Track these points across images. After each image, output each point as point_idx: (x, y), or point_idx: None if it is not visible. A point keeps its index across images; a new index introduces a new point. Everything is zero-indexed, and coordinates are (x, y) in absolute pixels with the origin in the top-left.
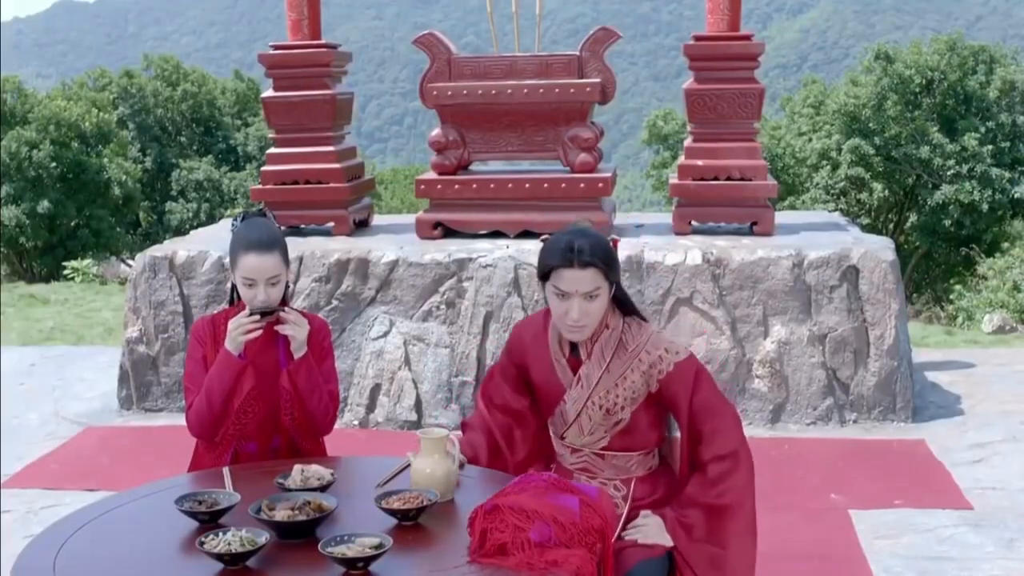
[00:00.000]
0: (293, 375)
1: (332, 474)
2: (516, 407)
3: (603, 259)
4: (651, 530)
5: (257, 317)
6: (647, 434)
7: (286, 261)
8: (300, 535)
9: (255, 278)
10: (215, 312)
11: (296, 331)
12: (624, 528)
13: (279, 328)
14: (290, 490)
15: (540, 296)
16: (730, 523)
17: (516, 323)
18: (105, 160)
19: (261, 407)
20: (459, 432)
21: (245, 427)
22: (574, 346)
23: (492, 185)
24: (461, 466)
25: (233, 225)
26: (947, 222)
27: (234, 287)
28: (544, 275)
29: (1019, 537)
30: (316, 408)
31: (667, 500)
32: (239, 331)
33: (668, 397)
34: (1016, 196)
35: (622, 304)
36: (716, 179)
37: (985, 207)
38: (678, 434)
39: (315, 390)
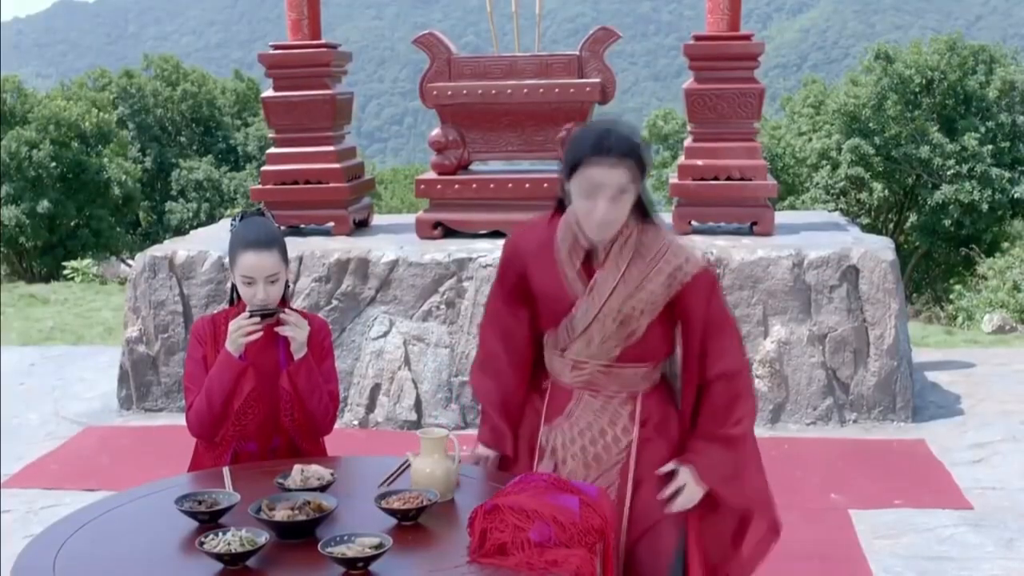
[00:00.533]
0: (293, 376)
1: (332, 474)
2: (515, 326)
3: (636, 155)
4: (691, 491)
5: (257, 319)
6: (659, 346)
7: (285, 260)
8: (300, 535)
9: (254, 276)
10: (215, 312)
11: (296, 332)
12: (640, 461)
13: (279, 329)
14: (290, 490)
15: None
16: (745, 451)
17: (511, 233)
18: (105, 160)
19: (261, 408)
20: (463, 431)
21: (245, 428)
22: (587, 255)
23: (492, 185)
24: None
25: (232, 225)
26: (947, 222)
27: (234, 287)
28: (571, 169)
29: (1019, 537)
30: (316, 409)
31: (670, 420)
32: (239, 333)
33: (683, 307)
34: (1016, 196)
35: (641, 207)
36: (716, 179)
37: (985, 207)
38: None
39: (315, 391)
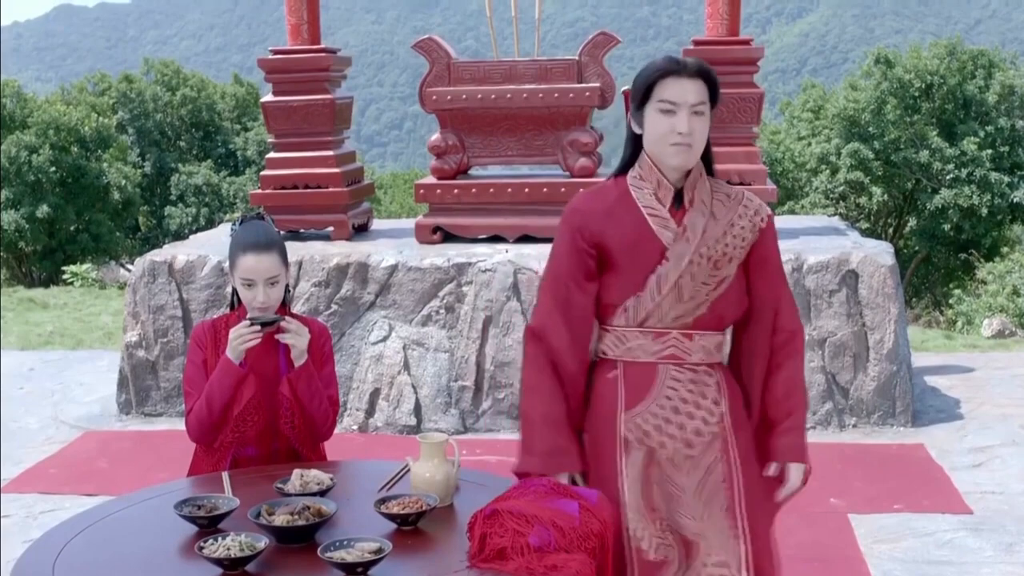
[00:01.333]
0: (294, 383)
1: (331, 478)
2: (586, 307)
3: (709, 73)
4: (796, 476)
5: (257, 328)
6: (740, 299)
7: (285, 262)
8: (299, 540)
9: (254, 278)
10: (215, 316)
11: (297, 340)
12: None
13: (280, 337)
14: (289, 495)
15: None
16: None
17: (572, 203)
18: (104, 164)
19: (261, 415)
20: (463, 435)
21: (244, 434)
22: (676, 196)
23: (491, 189)
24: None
25: (232, 229)
26: (946, 226)
27: (234, 291)
28: (645, 93)
29: (1019, 541)
30: (316, 415)
31: (739, 390)
32: (239, 341)
33: (760, 253)
34: (1015, 200)
35: (707, 156)
36: None
37: (984, 211)
38: None
39: (315, 397)
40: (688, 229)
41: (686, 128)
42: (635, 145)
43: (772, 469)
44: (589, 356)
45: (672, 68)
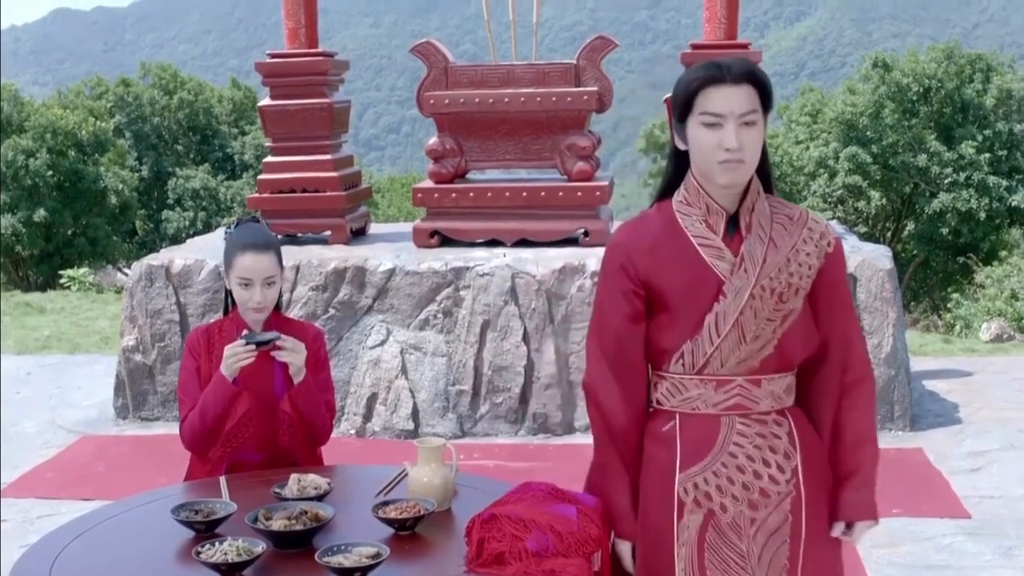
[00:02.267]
0: (295, 400)
1: (329, 483)
2: (637, 353)
3: (758, 77)
4: (862, 536)
5: (252, 347)
6: (809, 334)
7: (281, 265)
8: (297, 545)
9: (251, 278)
10: (210, 322)
11: (294, 357)
12: (807, 488)
13: (276, 355)
14: (287, 499)
15: (538, 304)
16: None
17: (613, 238)
18: (102, 168)
19: (257, 429)
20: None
21: (239, 447)
22: (730, 221)
23: (489, 194)
24: None
25: (227, 232)
26: (944, 230)
27: (228, 295)
28: (686, 105)
29: (1018, 545)
30: (316, 424)
31: (813, 434)
32: (233, 359)
33: (827, 282)
34: (1013, 204)
35: (764, 171)
36: None
37: (983, 215)
38: None
39: (315, 410)
40: (746, 259)
41: (734, 143)
42: (679, 163)
43: (839, 530)
44: (645, 407)
45: (714, 75)
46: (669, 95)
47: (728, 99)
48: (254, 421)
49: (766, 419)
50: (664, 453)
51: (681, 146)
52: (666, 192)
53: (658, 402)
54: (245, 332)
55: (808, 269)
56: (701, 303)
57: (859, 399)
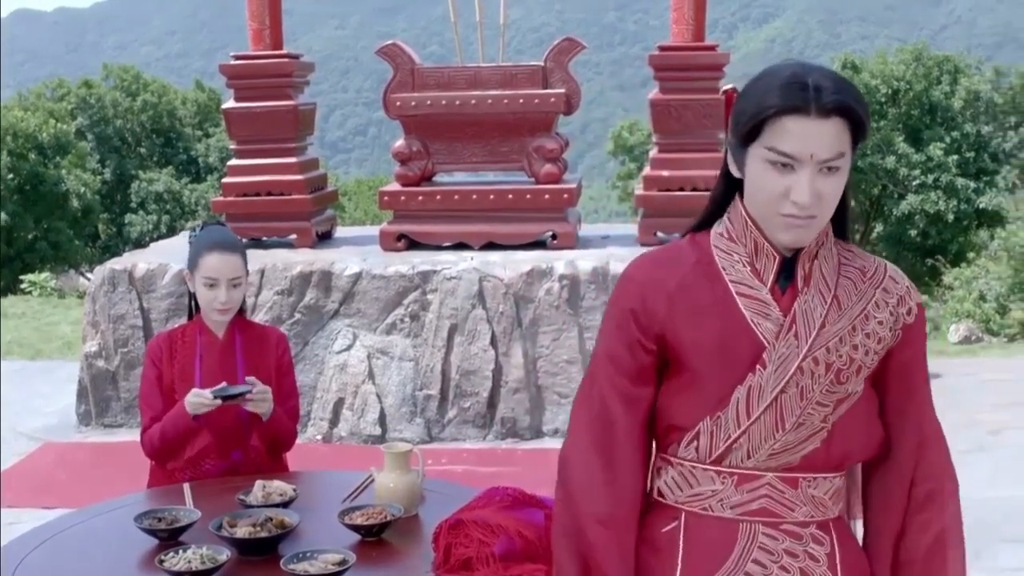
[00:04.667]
0: (263, 435)
1: (294, 490)
2: (639, 420)
3: (853, 109)
4: None
5: (219, 401)
6: (871, 428)
7: (246, 268)
8: (262, 552)
9: (217, 278)
10: (172, 328)
11: (263, 407)
12: None
13: (246, 406)
14: (252, 506)
15: (506, 308)
16: None
17: (628, 272)
18: (63, 171)
19: (217, 460)
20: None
21: (200, 471)
22: (783, 268)
23: (456, 196)
24: None
25: (192, 234)
26: (913, 232)
27: (192, 299)
28: (749, 131)
29: (985, 548)
30: (280, 439)
31: (862, 559)
32: (197, 405)
33: (902, 362)
34: (981, 206)
35: (841, 212)
36: (682, 190)
37: (951, 217)
38: None
39: (281, 431)
40: (799, 320)
41: (807, 197)
42: (728, 188)
43: None
44: (638, 501)
45: (795, 104)
46: (731, 86)
47: (809, 138)
48: (214, 453)
49: (801, 533)
50: (660, 564)
51: (736, 173)
52: (707, 221)
53: (659, 493)
54: (218, 387)
55: (878, 343)
56: (731, 371)
57: (936, 515)
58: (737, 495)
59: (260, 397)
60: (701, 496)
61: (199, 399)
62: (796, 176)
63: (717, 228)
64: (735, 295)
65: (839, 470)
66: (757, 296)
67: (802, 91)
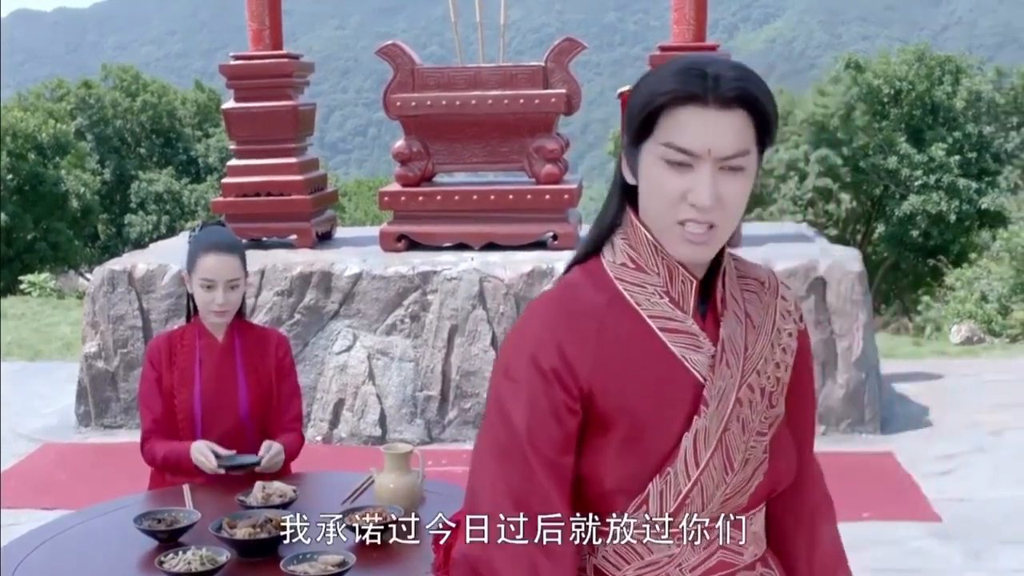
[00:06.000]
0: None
1: (294, 491)
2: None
3: (757, 99)
4: None
5: (223, 471)
6: (791, 445)
7: (245, 270)
8: (262, 553)
9: (214, 279)
10: (172, 329)
11: (274, 466)
12: None
13: (260, 470)
14: (252, 507)
15: (506, 309)
16: None
17: (527, 330)
18: (63, 172)
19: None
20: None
21: (201, 473)
22: (701, 295)
23: (456, 197)
24: None
25: (191, 235)
26: (915, 233)
27: (190, 299)
28: (643, 124)
29: (986, 549)
30: (290, 459)
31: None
32: (202, 464)
33: (798, 367)
34: (983, 207)
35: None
36: None
37: (952, 218)
38: None
39: (291, 456)
40: (727, 347)
41: (707, 199)
42: (623, 201)
43: None
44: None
45: (692, 90)
46: (626, 88)
47: (707, 131)
48: (219, 479)
49: (751, 574)
50: None
51: (630, 179)
52: (595, 248)
53: (597, 573)
54: (228, 455)
55: (791, 356)
56: (674, 418)
57: (827, 521)
58: (695, 555)
59: (269, 461)
60: (656, 565)
61: (205, 460)
62: (695, 175)
63: (610, 257)
64: (658, 332)
65: (768, 498)
66: (683, 329)
67: (700, 78)
